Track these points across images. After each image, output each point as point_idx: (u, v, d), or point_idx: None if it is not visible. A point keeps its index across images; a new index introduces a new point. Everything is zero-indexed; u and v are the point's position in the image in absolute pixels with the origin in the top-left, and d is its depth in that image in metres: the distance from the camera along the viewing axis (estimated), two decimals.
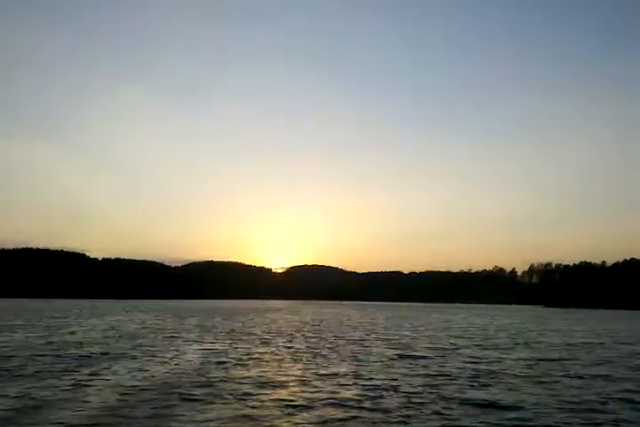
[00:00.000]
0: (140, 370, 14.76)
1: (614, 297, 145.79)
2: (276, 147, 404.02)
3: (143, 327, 33.87)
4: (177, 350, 19.95)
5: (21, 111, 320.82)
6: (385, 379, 13.99)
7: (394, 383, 13.37)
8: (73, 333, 28.18)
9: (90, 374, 13.89)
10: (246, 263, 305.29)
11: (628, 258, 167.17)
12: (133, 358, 17.59)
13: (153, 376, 13.69)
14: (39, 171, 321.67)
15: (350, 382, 13.34)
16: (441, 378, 14.45)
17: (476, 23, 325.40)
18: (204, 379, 13.39)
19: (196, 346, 21.89)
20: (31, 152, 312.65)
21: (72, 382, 12.75)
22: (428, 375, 14.85)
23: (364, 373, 14.96)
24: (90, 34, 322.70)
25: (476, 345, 24.94)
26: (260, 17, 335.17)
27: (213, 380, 13.29)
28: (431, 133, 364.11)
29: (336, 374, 14.63)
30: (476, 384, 13.57)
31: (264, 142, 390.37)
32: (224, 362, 16.83)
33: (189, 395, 11.39)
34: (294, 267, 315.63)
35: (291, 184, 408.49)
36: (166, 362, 16.57)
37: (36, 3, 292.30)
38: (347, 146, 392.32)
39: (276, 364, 16.67)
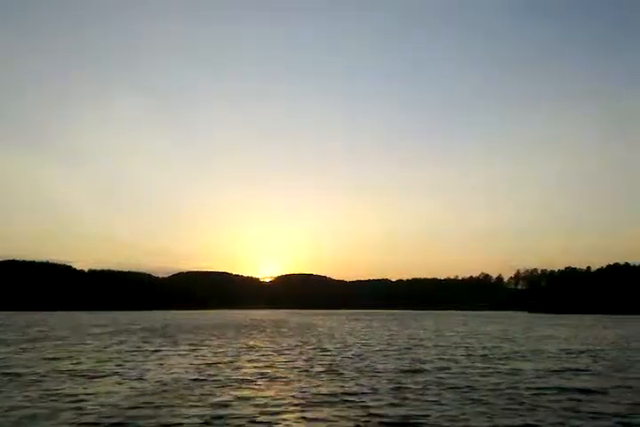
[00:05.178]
0: None
1: (600, 302, 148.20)
2: (261, 157, 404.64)
3: None
4: None
5: (4, 120, 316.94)
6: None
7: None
8: None
9: None
10: (234, 273, 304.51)
11: (611, 263, 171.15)
12: None
13: None
14: (24, 182, 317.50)
15: None
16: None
17: (459, 32, 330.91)
18: None
19: None
20: (15, 163, 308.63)
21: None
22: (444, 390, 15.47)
23: None
24: (86, 48, 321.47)
25: (479, 355, 25.60)
26: (260, 19, 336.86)
27: None
28: (416, 143, 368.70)
29: None
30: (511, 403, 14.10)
31: (249, 153, 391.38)
32: None
33: None
34: (282, 276, 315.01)
35: (277, 194, 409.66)
36: None
37: (36, 17, 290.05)
38: (332, 155, 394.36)
39: None
